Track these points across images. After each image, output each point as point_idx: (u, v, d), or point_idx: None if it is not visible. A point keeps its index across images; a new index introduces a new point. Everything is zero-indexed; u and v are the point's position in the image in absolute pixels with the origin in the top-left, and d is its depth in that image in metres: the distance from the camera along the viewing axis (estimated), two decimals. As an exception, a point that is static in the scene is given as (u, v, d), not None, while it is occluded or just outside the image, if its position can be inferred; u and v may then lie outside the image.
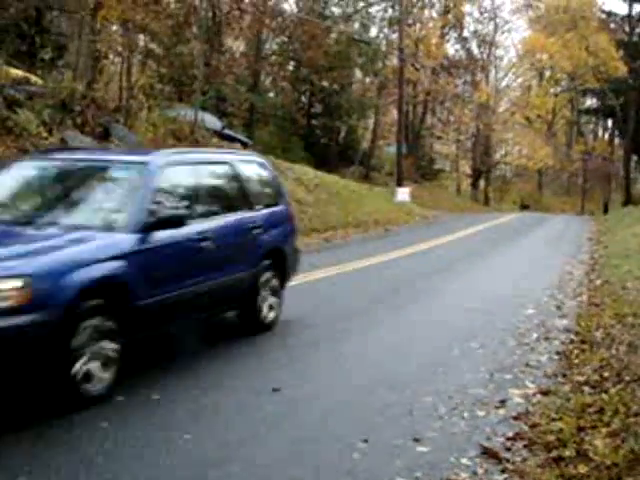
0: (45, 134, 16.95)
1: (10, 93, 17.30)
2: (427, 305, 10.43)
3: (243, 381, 6.14)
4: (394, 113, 50.03)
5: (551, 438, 4.96)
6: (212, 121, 26.79)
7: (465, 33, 52.44)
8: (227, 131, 27.79)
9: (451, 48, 52.55)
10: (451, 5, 48.74)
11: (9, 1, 22.48)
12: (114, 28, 25.77)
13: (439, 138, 54.59)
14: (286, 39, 40.96)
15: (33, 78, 19.86)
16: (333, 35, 40.65)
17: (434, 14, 49.90)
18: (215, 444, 4.74)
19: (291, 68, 42.97)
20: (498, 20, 52.29)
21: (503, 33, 56.77)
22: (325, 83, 41.68)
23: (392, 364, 6.94)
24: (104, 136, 18.95)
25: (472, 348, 7.63)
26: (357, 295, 10.92)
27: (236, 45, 40.14)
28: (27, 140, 16.20)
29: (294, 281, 11.59)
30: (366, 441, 4.87)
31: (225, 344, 7.43)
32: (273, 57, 41.62)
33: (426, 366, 6.90)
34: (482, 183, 54.41)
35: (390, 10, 44.75)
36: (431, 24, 47.71)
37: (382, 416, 5.41)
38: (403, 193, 32.40)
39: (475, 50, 53.59)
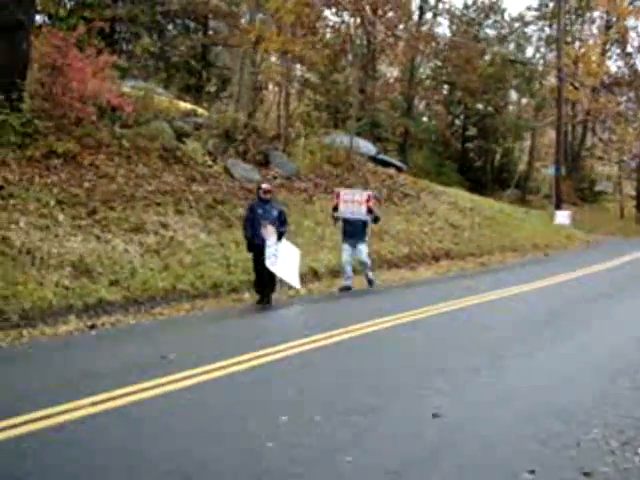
0: (210, 162, 17.84)
1: (179, 125, 18.42)
2: (593, 331, 9.99)
3: (402, 406, 6.15)
4: (551, 134, 48.50)
5: None
6: (367, 146, 27.17)
7: (629, 48, 50.12)
8: (382, 156, 28.06)
9: (613, 65, 50.37)
10: (613, 20, 46.79)
11: (180, 40, 24.02)
12: (272, 59, 26.86)
13: (600, 159, 52.28)
14: (439, 63, 40.90)
15: (199, 110, 21.00)
16: (487, 57, 40.16)
17: (594, 30, 48.11)
18: (376, 469, 4.78)
19: (445, 91, 42.81)
20: (665, 33, 49.58)
21: (671, 47, 53.65)
22: (480, 105, 41.22)
23: (556, 392, 6.71)
24: (264, 163, 19.70)
25: (644, 380, 7.24)
26: (517, 321, 10.64)
27: (389, 71, 40.56)
28: (194, 168, 17.13)
29: (450, 306, 11.56)
30: (532, 472, 4.73)
31: (382, 368, 7.47)
32: (427, 81, 41.64)
33: (593, 396, 6.61)
34: (648, 205, 51.44)
35: (547, 29, 43.67)
36: (591, 41, 45.99)
37: (548, 446, 5.23)
38: (563, 216, 31.27)
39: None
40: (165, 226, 13.68)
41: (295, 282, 12.17)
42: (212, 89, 25.35)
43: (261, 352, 7.65)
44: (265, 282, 11.52)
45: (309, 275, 14.48)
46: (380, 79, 35.56)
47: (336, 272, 14.83)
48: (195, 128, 19.09)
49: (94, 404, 5.69)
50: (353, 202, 13.60)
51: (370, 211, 13.66)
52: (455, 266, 18.58)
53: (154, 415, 5.65)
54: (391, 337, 9.17)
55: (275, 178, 19.11)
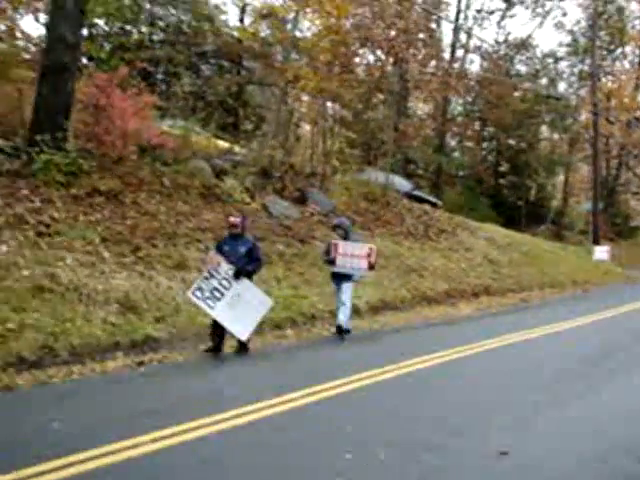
0: (248, 199, 17.93)
1: (218, 163, 18.58)
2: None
3: (468, 443, 6.01)
4: (584, 169, 48.21)
5: None
6: (401, 183, 27.17)
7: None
8: (416, 192, 28.02)
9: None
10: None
11: (216, 80, 24.39)
12: (304, 98, 27.08)
13: (635, 194, 51.80)
14: (471, 99, 41.01)
15: (236, 148, 21.19)
16: (519, 93, 40.19)
17: (627, 65, 47.98)
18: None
19: (477, 127, 42.83)
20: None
21: None
22: (512, 141, 41.15)
23: (621, 430, 6.53)
24: (301, 200, 19.74)
25: None
26: (568, 357, 10.44)
27: (421, 107, 40.71)
28: (232, 206, 17.21)
29: (497, 342, 11.39)
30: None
31: (443, 403, 7.34)
32: (459, 117, 41.72)
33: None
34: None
35: (579, 65, 43.67)
36: (624, 76, 45.85)
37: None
38: (602, 252, 30.82)
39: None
40: (206, 263, 13.68)
41: (241, 331, 10.04)
42: (248, 127, 25.67)
43: (316, 388, 7.56)
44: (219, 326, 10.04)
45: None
46: (413, 116, 35.69)
47: (377, 308, 14.73)
48: (233, 166, 19.24)
49: (154, 440, 5.64)
50: (352, 256, 12.11)
51: (372, 267, 12.23)
52: (495, 302, 18.36)
53: (215, 452, 5.57)
54: (446, 374, 9.04)
55: (312, 215, 19.13)
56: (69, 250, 11.83)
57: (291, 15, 25.03)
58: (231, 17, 52.19)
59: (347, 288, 12.21)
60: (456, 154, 43.56)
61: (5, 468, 5.08)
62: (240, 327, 9.98)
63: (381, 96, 30.62)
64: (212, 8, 28.07)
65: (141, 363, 9.25)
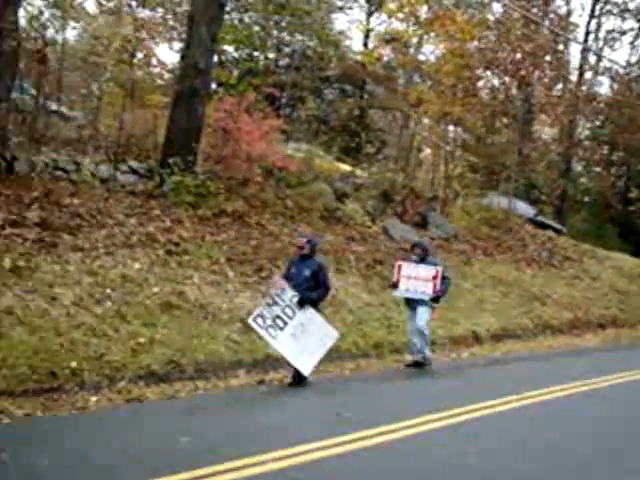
0: (369, 223, 18.03)
1: (339, 186, 18.80)
2: None
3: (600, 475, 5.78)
4: None
5: None
6: (524, 208, 26.55)
7: None
8: (539, 218, 27.30)
9: None
10: None
11: (340, 104, 24.78)
12: (426, 121, 27.00)
13: None
14: (600, 122, 39.62)
15: (358, 171, 21.37)
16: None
17: None
18: None
19: (605, 152, 41.28)
20: None
21: None
22: (643, 166, 39.40)
23: None
24: (422, 224, 19.66)
25: None
26: None
27: (546, 131, 39.68)
28: (352, 228, 17.36)
29: (632, 375, 10.90)
30: None
31: (575, 436, 7.10)
32: (586, 142, 40.36)
33: None
34: None
35: None
36: None
37: None
38: None
39: None
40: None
41: (304, 365, 9.22)
42: (370, 150, 25.89)
43: (430, 417, 7.48)
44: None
45: (469, 339, 14.17)
46: (537, 140, 34.82)
47: (499, 336, 14.44)
48: (354, 189, 19.42)
49: (275, 460, 5.73)
50: (417, 279, 11.04)
51: (438, 293, 11.04)
52: (624, 334, 17.60)
53: (334, 474, 5.60)
54: (574, 406, 8.74)
55: (433, 239, 19.00)
56: (196, 269, 12.27)
57: (414, 39, 25.14)
58: (355, 42, 53.14)
59: (423, 313, 11.03)
60: (583, 180, 42.13)
61: (135, 478, 5.31)
62: (303, 360, 9.18)
63: (505, 120, 30.10)
64: (337, 34, 28.54)
65: (262, 381, 9.45)
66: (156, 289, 11.02)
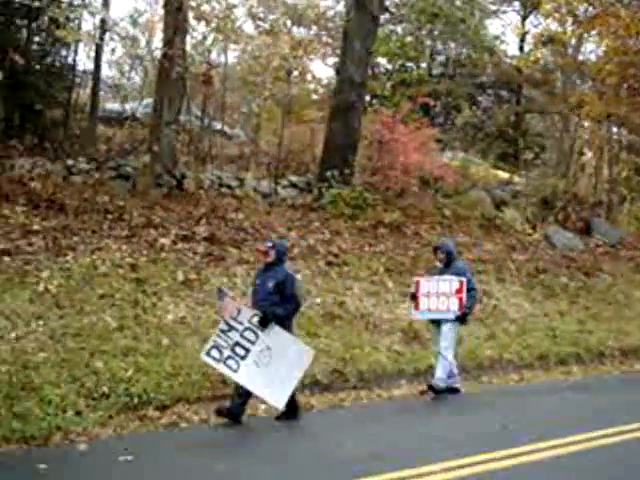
0: (529, 230, 17.56)
1: (497, 193, 18.47)
2: None
3: None
4: None
5: None
6: (700, 211, 24.83)
7: None
8: None
9: None
10: None
11: (495, 110, 24.35)
12: (587, 124, 25.91)
13: None
14: None
15: (515, 178, 20.89)
16: None
17: None
18: None
19: None
20: None
21: None
22: None
23: None
24: (585, 231, 18.89)
25: None
26: None
27: None
28: (512, 236, 16.98)
29: None
30: None
31: None
32: None
33: None
34: None
35: None
36: None
37: None
38: None
39: None
40: (488, 294, 13.59)
41: (276, 397, 7.35)
42: (528, 156, 25.25)
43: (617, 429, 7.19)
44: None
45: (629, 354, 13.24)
46: None
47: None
48: (513, 196, 19.01)
49: (445, 470, 5.73)
50: (439, 294, 9.27)
51: (464, 310, 9.21)
52: None
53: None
54: None
55: (598, 246, 18.20)
56: (356, 279, 12.46)
57: (573, 39, 24.21)
58: (510, 46, 52.01)
59: (448, 331, 9.25)
60: None
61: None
62: (274, 391, 7.33)
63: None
64: (492, 39, 28.06)
65: (423, 392, 9.42)
66: (318, 300, 11.28)
